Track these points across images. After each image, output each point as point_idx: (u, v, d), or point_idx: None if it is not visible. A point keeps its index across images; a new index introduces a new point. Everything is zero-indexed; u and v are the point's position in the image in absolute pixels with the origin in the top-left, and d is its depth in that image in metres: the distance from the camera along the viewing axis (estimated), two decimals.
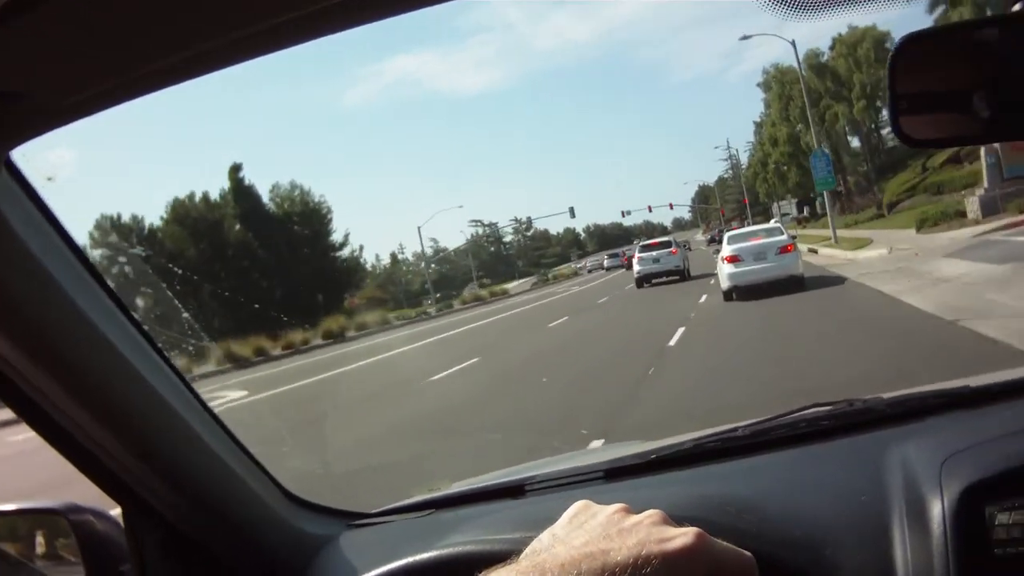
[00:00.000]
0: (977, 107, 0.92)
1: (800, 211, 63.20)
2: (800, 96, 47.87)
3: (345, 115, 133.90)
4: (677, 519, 0.69)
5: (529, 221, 79.63)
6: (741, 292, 15.98)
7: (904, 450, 1.05)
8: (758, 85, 60.31)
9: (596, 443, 6.02)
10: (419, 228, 66.22)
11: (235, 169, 45.78)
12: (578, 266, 70.47)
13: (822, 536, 0.97)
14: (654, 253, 26.61)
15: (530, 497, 1.28)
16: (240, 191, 44.70)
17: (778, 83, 53.89)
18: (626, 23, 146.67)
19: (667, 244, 27.40)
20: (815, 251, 24.21)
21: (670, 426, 5.67)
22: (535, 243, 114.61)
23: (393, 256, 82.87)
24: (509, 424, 7.61)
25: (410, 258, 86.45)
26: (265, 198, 46.98)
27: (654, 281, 26.35)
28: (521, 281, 68.22)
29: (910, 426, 1.16)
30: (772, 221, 61.38)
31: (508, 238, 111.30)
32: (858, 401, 1.26)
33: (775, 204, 62.18)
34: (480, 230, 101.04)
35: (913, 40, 1.00)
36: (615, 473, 1.27)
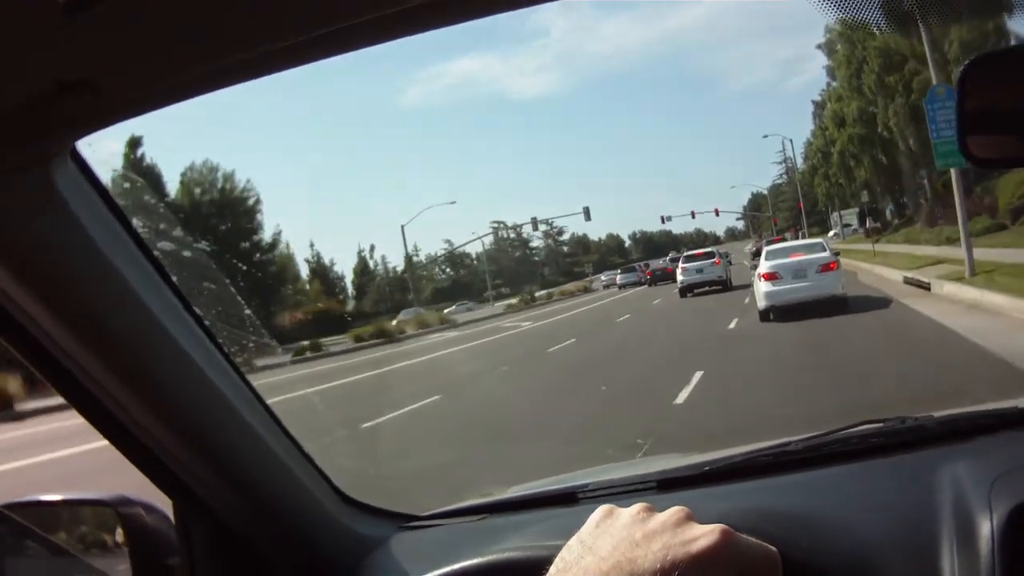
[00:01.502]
0: None
1: (862, 222, 53.93)
2: (876, 58, 38.90)
3: (402, 116, 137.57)
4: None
5: (534, 222, 65.89)
6: (779, 312, 15.39)
7: (954, 469, 1.12)
8: (819, 47, 48.39)
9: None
10: (403, 227, 58.61)
11: (133, 143, 38.78)
12: (604, 279, 58.87)
13: (871, 552, 1.04)
14: (697, 263, 28.51)
15: (583, 505, 1.36)
16: (134, 171, 36.39)
17: (846, 42, 42.74)
18: (683, 31, 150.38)
19: (710, 255, 29.53)
20: (923, 286, 15.81)
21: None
22: (573, 248, 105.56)
23: (408, 259, 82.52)
24: None
25: (423, 260, 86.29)
26: (176, 182, 40.41)
27: (696, 291, 27.90)
28: (459, 305, 56.36)
29: (960, 445, 1.24)
30: (830, 233, 56.50)
31: (536, 242, 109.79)
32: (909, 419, 1.35)
33: (834, 214, 56.19)
34: (503, 233, 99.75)
35: (984, 60, 1.07)
36: (667, 484, 1.36)
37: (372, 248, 76.13)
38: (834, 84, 47.04)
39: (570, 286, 64.00)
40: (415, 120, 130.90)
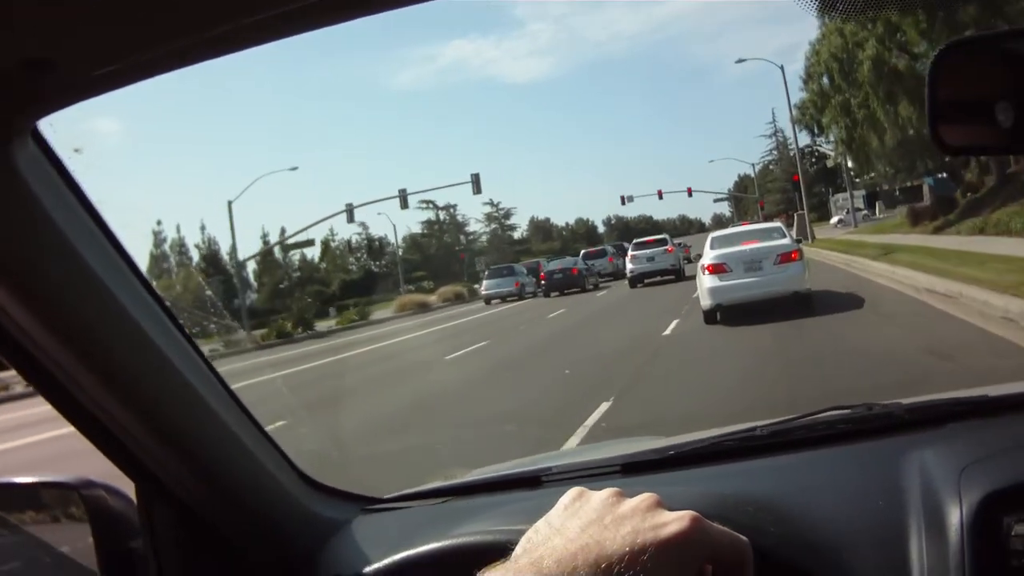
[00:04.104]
0: (1018, 118, 1.12)
1: (871, 206, 48.87)
2: None
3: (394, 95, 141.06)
4: None
5: (401, 194, 49.81)
6: (728, 313, 14.31)
7: (923, 457, 1.24)
8: None
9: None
10: (229, 203, 43.78)
11: None
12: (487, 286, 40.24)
13: (838, 539, 1.15)
14: (648, 251, 30.13)
15: (546, 488, 1.50)
16: None
17: None
18: (677, 17, 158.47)
19: (662, 242, 30.78)
20: None
21: None
22: (531, 234, 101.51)
23: (325, 244, 75.01)
24: None
25: (341, 246, 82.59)
26: None
27: (647, 281, 29.07)
28: None
29: (929, 433, 1.36)
30: (833, 220, 50.04)
31: (475, 226, 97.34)
32: (878, 406, 1.48)
33: (836, 196, 50.64)
34: (435, 214, 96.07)
35: (955, 47, 1.20)
36: (632, 468, 1.50)
37: (283, 232, 71.50)
38: None
39: (434, 295, 48.63)
40: (400, 100, 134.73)
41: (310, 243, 55.15)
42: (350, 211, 46.61)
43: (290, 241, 54.01)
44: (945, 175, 37.20)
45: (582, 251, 45.48)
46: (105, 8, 0.80)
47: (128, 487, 1.37)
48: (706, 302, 14.59)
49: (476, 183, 46.15)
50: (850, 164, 41.34)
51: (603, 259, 40.81)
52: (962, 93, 1.20)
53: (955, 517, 1.10)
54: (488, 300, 38.52)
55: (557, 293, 34.59)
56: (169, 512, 1.35)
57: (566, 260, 40.23)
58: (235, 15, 0.84)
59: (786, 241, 15.05)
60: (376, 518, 1.57)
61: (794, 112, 42.36)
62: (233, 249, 51.32)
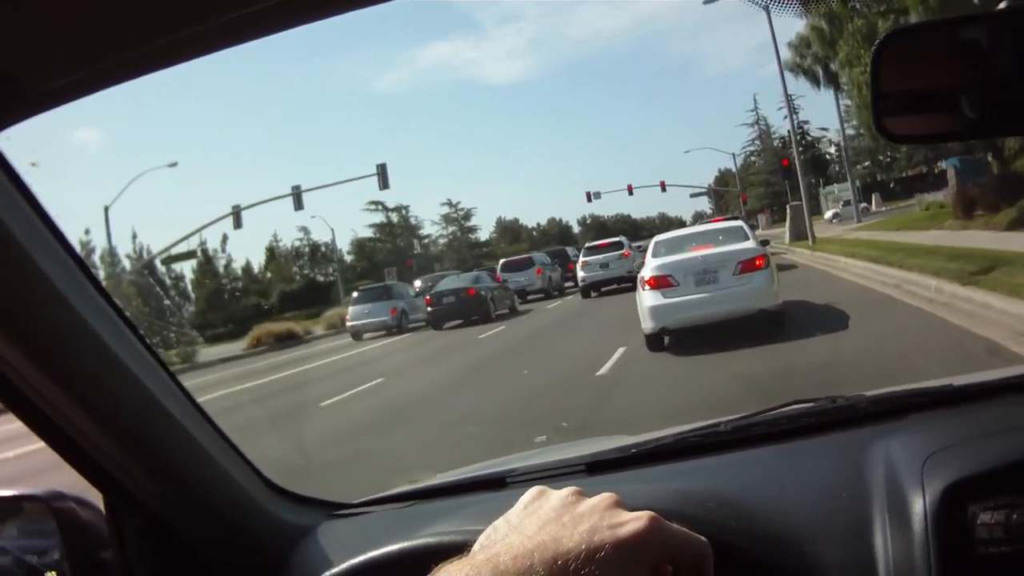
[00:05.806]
0: (962, 104, 1.18)
1: (866, 198, 44.47)
2: None
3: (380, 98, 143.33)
4: (658, 513, 0.85)
5: (294, 193, 41.98)
6: (677, 337, 11.84)
7: (886, 447, 1.29)
8: None
9: None
10: (106, 208, 38.98)
11: None
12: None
13: (803, 532, 1.20)
14: (601, 257, 27.59)
15: (511, 489, 1.58)
16: None
17: None
18: (658, 16, 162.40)
19: (618, 245, 28.18)
20: None
21: None
22: (498, 235, 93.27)
23: (270, 251, 73.52)
24: None
25: (283, 253, 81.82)
26: None
27: (603, 290, 26.68)
28: None
29: (893, 424, 1.42)
30: (828, 215, 42.88)
31: (429, 228, 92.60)
32: (841, 398, 1.55)
33: (828, 188, 46.16)
34: (388, 216, 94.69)
35: (897, 36, 1.25)
36: (596, 467, 1.57)
37: (224, 239, 69.11)
38: None
39: (320, 320, 40.14)
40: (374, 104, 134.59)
41: (191, 254, 52.77)
42: (237, 214, 40.44)
43: (172, 252, 49.86)
44: (979, 154, 29.00)
45: (502, 260, 36.33)
46: (56, 21, 0.84)
47: (98, 499, 1.44)
48: (647, 324, 12.06)
49: (383, 176, 39.44)
50: (850, 149, 35.47)
51: (528, 271, 33.83)
52: (914, 81, 1.25)
53: (919, 507, 1.15)
54: (358, 334, 29.53)
55: (460, 322, 27.01)
56: (137, 522, 1.42)
57: (463, 276, 31.40)
58: (193, 21, 0.89)
59: (749, 244, 12.64)
60: (342, 523, 1.65)
61: (791, 55, 35.98)
62: (111, 256, 46.72)
